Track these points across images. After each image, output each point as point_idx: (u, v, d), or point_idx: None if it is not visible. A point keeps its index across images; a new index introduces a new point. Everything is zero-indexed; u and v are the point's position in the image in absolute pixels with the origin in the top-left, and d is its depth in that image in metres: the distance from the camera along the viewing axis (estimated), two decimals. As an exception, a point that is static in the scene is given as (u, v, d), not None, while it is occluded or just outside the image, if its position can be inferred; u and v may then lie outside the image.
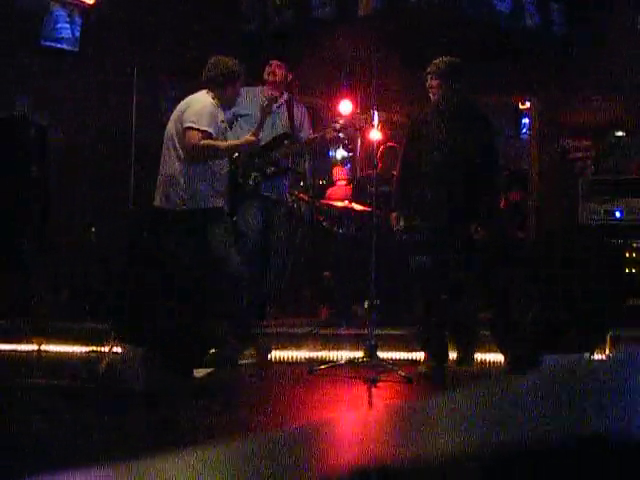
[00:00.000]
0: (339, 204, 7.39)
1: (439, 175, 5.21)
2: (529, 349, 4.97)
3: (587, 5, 7.99)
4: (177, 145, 5.28)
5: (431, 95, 5.32)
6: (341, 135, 6.28)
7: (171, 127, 5.38)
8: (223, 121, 5.46)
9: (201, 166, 5.26)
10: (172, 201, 5.28)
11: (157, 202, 5.37)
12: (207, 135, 5.22)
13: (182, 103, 5.44)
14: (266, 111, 5.74)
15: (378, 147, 6.86)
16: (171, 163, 5.30)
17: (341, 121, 6.18)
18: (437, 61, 5.28)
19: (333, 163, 9.84)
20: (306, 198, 7.40)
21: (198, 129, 5.20)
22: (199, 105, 5.29)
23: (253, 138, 5.49)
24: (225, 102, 5.45)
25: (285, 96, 6.45)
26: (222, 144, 5.35)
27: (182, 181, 5.24)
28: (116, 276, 5.50)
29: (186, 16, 8.19)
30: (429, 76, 5.29)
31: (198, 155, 5.23)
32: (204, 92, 5.39)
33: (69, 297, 6.83)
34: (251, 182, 6.07)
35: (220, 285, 5.18)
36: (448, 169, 5.19)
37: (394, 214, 5.54)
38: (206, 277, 5.08)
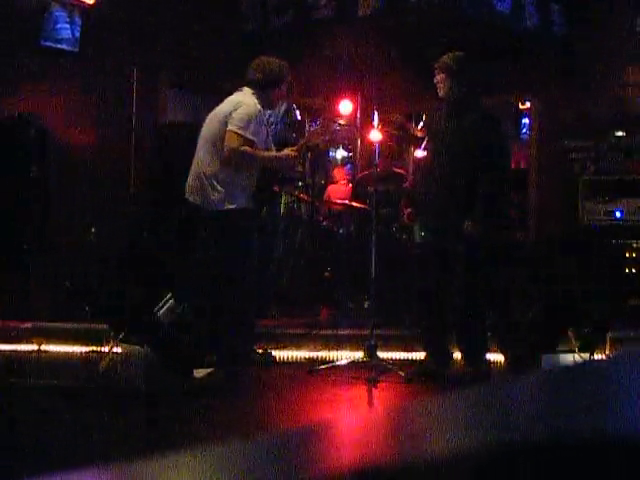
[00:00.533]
0: (339, 202, 7.40)
1: (440, 171, 5.21)
2: (529, 349, 4.97)
3: (587, 5, 7.99)
4: (218, 145, 5.12)
5: (438, 91, 5.28)
6: (326, 138, 6.29)
7: (213, 127, 5.20)
8: (268, 124, 5.35)
9: (236, 171, 5.13)
10: (209, 200, 5.16)
11: (192, 199, 5.26)
12: (249, 143, 5.06)
13: (227, 103, 5.24)
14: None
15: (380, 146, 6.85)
16: (211, 162, 5.18)
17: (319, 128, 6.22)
18: (445, 56, 5.25)
19: (333, 164, 9.84)
20: (306, 198, 7.40)
21: (243, 135, 5.04)
22: (247, 110, 5.10)
23: (294, 154, 5.34)
24: (266, 105, 5.30)
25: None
26: (261, 154, 5.17)
27: (219, 181, 5.13)
28: (116, 276, 5.51)
29: (186, 16, 8.19)
30: (436, 71, 5.26)
31: (235, 160, 5.08)
32: (250, 94, 5.20)
33: (69, 297, 6.83)
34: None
35: (235, 289, 5.13)
36: (448, 165, 5.19)
37: (409, 210, 5.63)
38: (223, 277, 5.05)
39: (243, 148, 5.04)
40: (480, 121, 5.19)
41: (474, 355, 5.25)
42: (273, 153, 5.32)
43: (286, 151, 5.34)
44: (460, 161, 5.14)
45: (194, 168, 5.25)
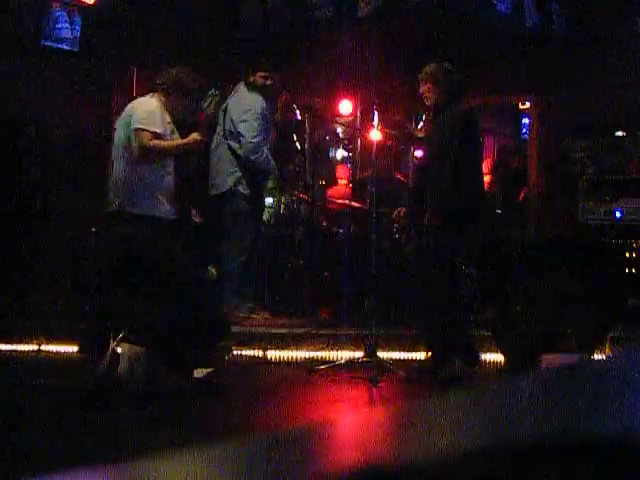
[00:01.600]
0: (339, 202, 7.40)
1: (429, 174, 5.33)
2: (529, 349, 4.97)
3: (587, 5, 7.99)
4: (126, 148, 5.34)
5: (425, 101, 5.34)
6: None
7: (119, 132, 5.44)
8: (170, 123, 5.47)
9: (147, 172, 5.31)
10: (113, 203, 5.35)
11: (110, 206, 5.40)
12: (157, 136, 5.29)
13: (128, 107, 5.51)
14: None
15: (378, 147, 6.85)
16: (125, 166, 5.36)
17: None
18: (428, 67, 5.31)
19: (334, 163, 9.84)
20: (306, 198, 7.41)
21: (147, 130, 5.26)
22: (146, 107, 5.36)
23: (200, 137, 5.50)
24: (169, 110, 5.46)
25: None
26: (169, 143, 5.39)
27: (126, 184, 5.32)
28: (116, 276, 5.49)
29: (186, 16, 8.19)
30: (421, 82, 5.30)
31: (148, 155, 5.29)
32: (149, 96, 5.46)
33: (69, 297, 6.83)
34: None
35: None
36: (432, 166, 5.32)
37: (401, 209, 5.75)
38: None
39: (152, 142, 5.23)
40: (448, 119, 5.23)
41: (442, 355, 5.20)
42: (179, 140, 5.46)
43: (193, 135, 5.48)
44: (437, 161, 5.22)
45: (111, 177, 5.43)
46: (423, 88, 5.30)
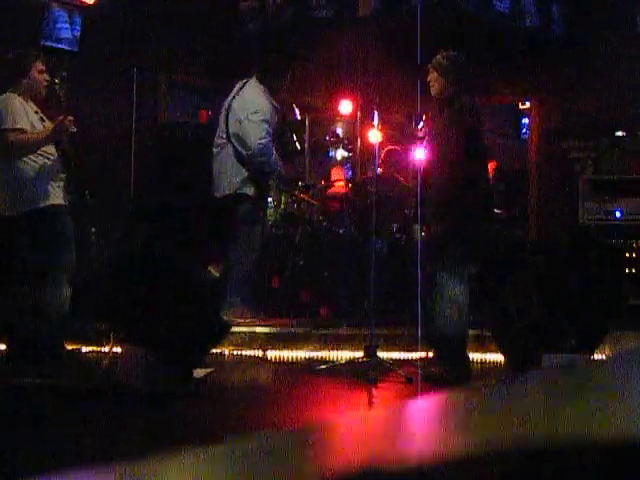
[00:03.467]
0: (339, 194, 7.40)
1: (432, 169, 5.32)
2: (529, 349, 4.97)
3: (587, 5, 7.99)
4: None
5: (431, 89, 5.26)
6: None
7: None
8: (37, 112, 5.35)
9: (23, 166, 5.24)
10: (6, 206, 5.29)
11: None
12: (19, 131, 5.21)
13: None
14: None
15: (380, 149, 6.85)
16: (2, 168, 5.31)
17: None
18: (439, 55, 5.24)
19: (332, 164, 9.84)
20: (306, 198, 7.41)
21: (11, 128, 5.18)
22: (3, 105, 5.27)
23: (52, 126, 5.27)
24: (27, 94, 5.35)
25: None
26: (29, 136, 5.25)
27: (7, 184, 5.26)
28: (116, 276, 5.49)
29: (186, 16, 8.19)
30: (430, 69, 5.24)
31: (18, 153, 5.22)
32: (5, 94, 5.33)
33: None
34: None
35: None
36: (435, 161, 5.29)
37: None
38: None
39: (12, 139, 5.17)
40: (453, 113, 5.15)
41: (443, 355, 5.21)
42: (34, 133, 5.30)
43: (47, 125, 5.33)
44: (441, 158, 5.17)
45: None
46: (430, 77, 5.23)
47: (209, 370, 4.87)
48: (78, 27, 7.50)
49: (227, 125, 6.51)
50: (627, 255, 6.88)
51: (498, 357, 5.55)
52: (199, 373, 4.76)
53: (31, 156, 5.23)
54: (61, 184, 5.34)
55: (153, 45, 7.92)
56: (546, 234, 8.00)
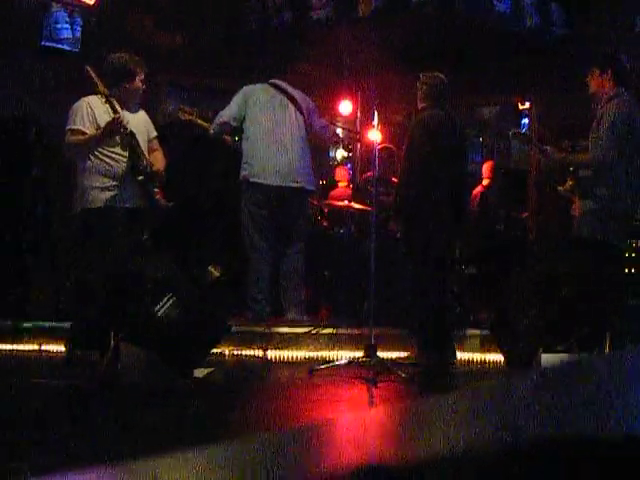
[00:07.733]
0: (339, 204, 7.39)
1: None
2: (529, 349, 4.97)
3: (587, 5, 7.99)
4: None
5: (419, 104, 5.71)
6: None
7: None
8: (115, 113, 5.36)
9: (87, 165, 5.33)
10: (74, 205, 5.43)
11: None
12: (77, 132, 5.32)
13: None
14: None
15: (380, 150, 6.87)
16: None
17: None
18: (423, 76, 5.66)
19: (334, 164, 9.85)
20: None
21: (68, 128, 5.33)
22: (73, 106, 5.39)
23: (110, 120, 5.30)
24: (122, 100, 5.40)
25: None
26: (84, 136, 5.32)
27: (78, 184, 5.39)
28: (116, 276, 5.49)
29: (186, 16, 8.19)
30: (418, 84, 5.68)
31: (69, 152, 5.44)
32: (87, 97, 5.40)
33: (69, 297, 6.83)
34: None
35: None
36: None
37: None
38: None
39: (69, 139, 5.32)
40: (415, 123, 5.64)
41: (422, 347, 5.51)
42: (86, 135, 5.35)
43: (107, 119, 5.33)
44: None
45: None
46: (418, 93, 5.73)
47: (209, 370, 4.87)
48: (79, 27, 7.50)
49: (296, 116, 6.57)
50: (627, 255, 6.87)
51: (498, 357, 5.55)
52: (199, 373, 4.76)
53: (98, 157, 5.31)
54: (128, 186, 5.36)
55: (153, 46, 7.92)
56: (546, 234, 8.00)
